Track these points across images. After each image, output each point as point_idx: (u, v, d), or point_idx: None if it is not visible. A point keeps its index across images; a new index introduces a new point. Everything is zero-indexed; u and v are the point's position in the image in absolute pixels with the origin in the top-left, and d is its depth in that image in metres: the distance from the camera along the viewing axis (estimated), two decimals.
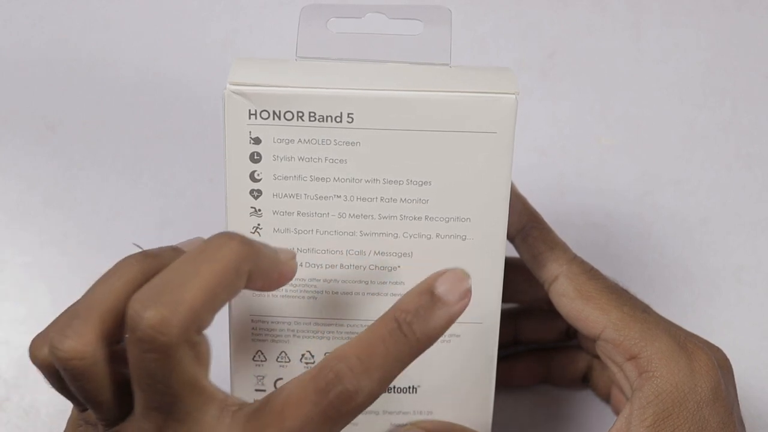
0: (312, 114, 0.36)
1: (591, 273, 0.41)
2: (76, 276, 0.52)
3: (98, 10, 0.59)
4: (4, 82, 0.57)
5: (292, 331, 0.39)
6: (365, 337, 0.32)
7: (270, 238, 0.38)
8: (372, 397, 0.31)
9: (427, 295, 0.33)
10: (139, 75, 0.58)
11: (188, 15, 0.59)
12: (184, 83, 0.57)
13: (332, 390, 0.31)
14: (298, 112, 0.36)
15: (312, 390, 0.31)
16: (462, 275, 0.33)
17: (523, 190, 0.44)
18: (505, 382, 0.47)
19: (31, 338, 0.33)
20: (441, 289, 0.32)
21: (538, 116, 0.57)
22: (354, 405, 0.31)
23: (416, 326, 0.32)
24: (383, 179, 0.37)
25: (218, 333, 0.44)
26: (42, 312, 0.51)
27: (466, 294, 0.33)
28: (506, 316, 0.47)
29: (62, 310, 0.32)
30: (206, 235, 0.33)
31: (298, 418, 0.31)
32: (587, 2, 0.60)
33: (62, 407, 0.43)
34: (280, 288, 0.39)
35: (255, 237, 0.38)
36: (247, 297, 0.39)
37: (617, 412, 0.45)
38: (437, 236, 0.38)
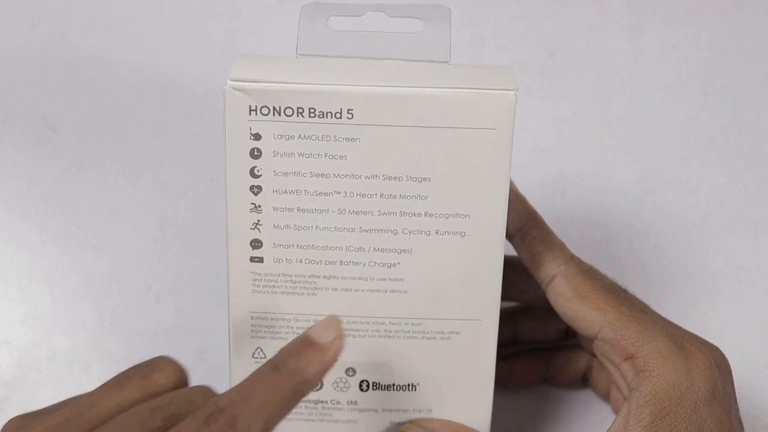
0: (312, 110, 0.36)
1: (588, 273, 0.41)
2: (76, 276, 0.52)
3: (98, 10, 0.59)
4: (4, 82, 0.57)
5: (292, 328, 0.39)
6: (245, 380, 0.33)
7: (270, 234, 0.38)
8: (253, 426, 0.32)
9: (299, 339, 0.34)
10: (139, 75, 0.58)
11: (188, 15, 0.59)
12: (184, 83, 0.57)
13: (212, 422, 0.31)
14: (298, 108, 0.36)
15: (195, 426, 0.31)
16: (334, 320, 0.34)
17: (522, 190, 0.44)
18: (504, 382, 0.47)
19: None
20: (312, 332, 0.34)
21: (538, 115, 0.57)
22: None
23: (290, 363, 0.33)
24: (383, 175, 0.37)
25: (218, 330, 0.44)
26: (42, 312, 0.51)
27: (338, 335, 0.34)
28: (506, 316, 0.47)
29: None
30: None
31: None
32: (587, 2, 0.60)
33: None
34: (280, 285, 0.39)
35: (255, 233, 0.38)
36: (246, 294, 0.39)
37: (617, 411, 0.45)
38: (436, 232, 0.38)
